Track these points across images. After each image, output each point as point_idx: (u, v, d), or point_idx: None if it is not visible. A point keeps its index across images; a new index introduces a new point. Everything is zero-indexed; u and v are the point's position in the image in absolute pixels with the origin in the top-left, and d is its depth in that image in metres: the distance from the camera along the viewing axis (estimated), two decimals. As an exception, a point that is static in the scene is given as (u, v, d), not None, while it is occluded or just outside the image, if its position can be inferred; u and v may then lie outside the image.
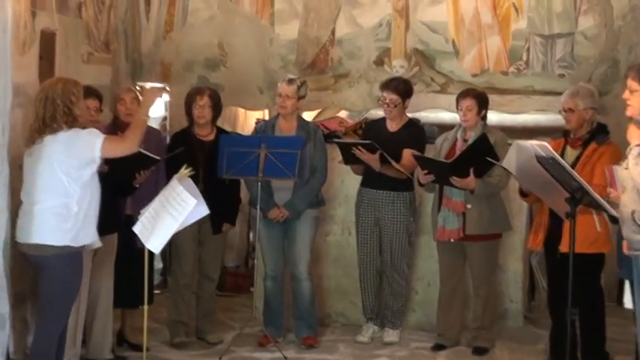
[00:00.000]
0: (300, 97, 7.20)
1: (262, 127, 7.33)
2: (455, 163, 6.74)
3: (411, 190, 7.31)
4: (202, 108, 7.11)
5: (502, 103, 8.75)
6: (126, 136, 5.56)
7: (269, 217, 7.06)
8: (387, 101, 7.22)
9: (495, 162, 6.44)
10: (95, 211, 5.36)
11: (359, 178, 7.64)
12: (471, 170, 6.71)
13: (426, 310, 7.85)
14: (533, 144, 5.18)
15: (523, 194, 6.54)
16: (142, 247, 6.79)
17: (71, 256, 5.26)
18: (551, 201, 5.63)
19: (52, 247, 5.27)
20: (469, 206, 6.87)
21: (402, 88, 7.27)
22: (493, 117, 8.42)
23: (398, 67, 9.04)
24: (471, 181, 6.72)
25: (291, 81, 7.16)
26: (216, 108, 7.20)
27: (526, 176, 5.59)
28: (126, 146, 5.48)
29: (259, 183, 6.87)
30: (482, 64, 8.97)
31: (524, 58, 8.91)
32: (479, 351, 7.08)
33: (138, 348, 6.93)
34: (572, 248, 5.26)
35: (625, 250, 5.45)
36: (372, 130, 7.41)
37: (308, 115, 9.39)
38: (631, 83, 5.24)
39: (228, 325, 7.84)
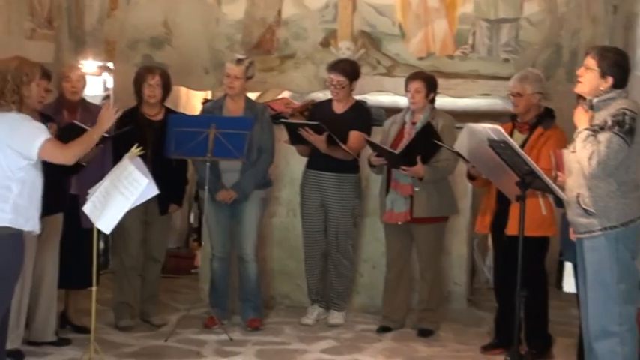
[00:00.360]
0: (248, 78, 7.14)
1: (210, 107, 7.27)
2: (402, 153, 6.75)
3: (357, 172, 7.31)
4: (153, 87, 7.02)
5: (447, 86, 8.76)
6: (69, 146, 5.32)
7: (217, 199, 7.00)
8: (334, 83, 7.20)
9: (448, 147, 6.46)
10: (38, 195, 5.20)
11: (304, 160, 7.61)
12: (419, 158, 6.72)
13: (370, 293, 7.87)
14: (486, 127, 5.19)
15: (471, 177, 6.58)
16: (88, 228, 6.77)
17: (12, 237, 5.10)
18: (501, 184, 5.67)
19: None
20: (417, 189, 6.89)
21: (350, 70, 7.25)
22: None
23: (344, 49, 9.03)
24: (419, 169, 6.75)
25: (239, 61, 7.10)
26: (166, 87, 7.12)
27: (477, 160, 5.61)
28: (66, 156, 5.25)
29: (208, 164, 6.79)
30: (428, 48, 9.01)
31: (470, 42, 8.98)
32: (424, 333, 7.11)
33: (82, 330, 6.90)
34: (522, 231, 5.31)
35: (571, 232, 5.51)
36: (318, 112, 7.38)
37: (251, 97, 9.34)
38: (589, 61, 5.20)
39: (172, 307, 7.79)
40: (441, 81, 8.20)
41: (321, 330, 7.26)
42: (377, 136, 7.35)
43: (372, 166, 7.11)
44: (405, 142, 6.89)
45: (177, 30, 9.17)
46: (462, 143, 5.53)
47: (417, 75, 7.17)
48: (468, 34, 8.95)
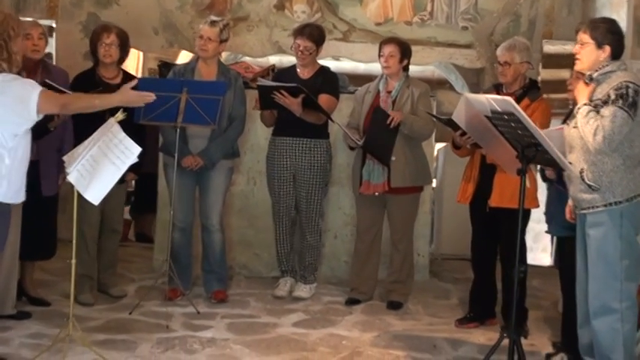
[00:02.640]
0: (223, 41, 6.85)
1: (181, 70, 6.92)
2: (367, 142, 6.68)
3: (327, 137, 7.12)
4: (109, 47, 6.66)
5: (405, 53, 8.61)
6: (67, 97, 5.08)
7: (182, 164, 6.69)
8: (300, 48, 6.97)
9: (439, 116, 6.30)
10: (26, 163, 4.88)
11: (265, 128, 7.41)
12: (399, 112, 6.63)
13: (331, 264, 7.72)
14: (489, 98, 5.03)
15: (455, 147, 6.44)
16: (50, 196, 6.45)
17: (1, 213, 4.78)
18: (497, 157, 5.53)
19: None
20: (394, 158, 6.72)
21: (317, 35, 7.04)
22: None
23: (299, 13, 8.82)
24: (398, 113, 6.64)
25: (213, 22, 6.79)
26: (124, 48, 6.76)
27: (473, 131, 5.46)
28: (64, 105, 4.99)
29: (178, 130, 6.49)
30: (386, 13, 8.85)
31: (429, 8, 8.85)
32: (394, 305, 6.97)
33: (38, 302, 6.61)
34: (522, 205, 5.16)
35: (567, 214, 5.43)
36: (283, 78, 7.12)
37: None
38: (582, 36, 5.14)
39: (127, 278, 7.52)
40: (398, 47, 8.09)
41: (287, 303, 7.05)
42: (345, 102, 7.17)
43: (351, 148, 6.94)
44: (384, 107, 6.77)
45: (125, -13, 8.79)
46: (460, 113, 5.35)
47: (391, 39, 7.01)
48: (427, 0, 8.77)
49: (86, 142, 5.19)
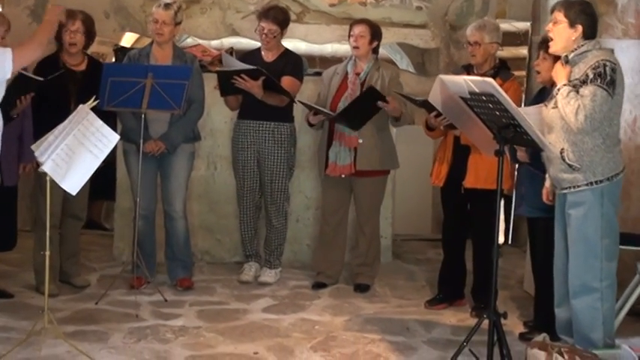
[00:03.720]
0: (177, 24, 6.73)
1: (136, 55, 6.78)
2: (341, 115, 6.56)
3: (292, 121, 7.05)
4: (74, 34, 6.51)
5: (359, 34, 8.55)
6: (30, 39, 5.02)
7: (144, 150, 6.56)
8: (265, 31, 6.88)
9: (415, 97, 6.26)
10: None
11: (225, 111, 7.36)
12: (391, 97, 6.55)
13: (294, 248, 7.66)
14: (467, 79, 5.00)
15: (429, 129, 6.42)
16: (10, 186, 6.29)
17: None
18: (474, 138, 5.51)
19: None
20: (361, 141, 6.69)
21: (281, 18, 6.96)
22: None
23: (253, -6, 8.69)
24: (396, 105, 6.56)
25: (167, 5, 6.66)
26: (89, 34, 6.61)
27: (449, 112, 5.44)
28: (35, 50, 5.08)
29: (143, 115, 6.36)
30: (340, -6, 8.76)
31: (383, -12, 8.77)
32: (361, 288, 6.95)
33: (0, 294, 6.42)
34: (500, 185, 5.13)
35: (545, 195, 5.45)
36: (247, 61, 7.00)
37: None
38: (556, 14, 5.16)
39: (88, 267, 7.36)
40: (351, 28, 8.05)
41: (253, 288, 6.99)
42: (305, 84, 7.12)
43: (310, 125, 6.85)
44: (349, 91, 6.67)
45: (74, -30, 8.56)
46: (435, 94, 5.32)
47: (362, 20, 6.98)
48: (381, -20, 8.75)
49: (57, 131, 5.05)
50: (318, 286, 7.02)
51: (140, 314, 6.24)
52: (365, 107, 6.54)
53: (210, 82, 7.04)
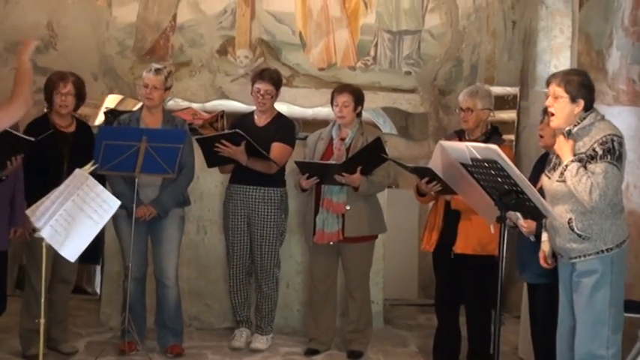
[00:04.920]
0: (167, 89, 6.70)
1: (126, 120, 6.74)
2: (345, 164, 6.51)
3: (284, 186, 7.00)
4: (65, 96, 6.46)
5: (349, 98, 8.56)
6: (13, 96, 4.80)
7: (136, 215, 6.48)
8: (261, 92, 6.85)
9: (403, 163, 6.24)
10: None
11: (215, 175, 7.30)
12: (359, 169, 6.49)
13: (284, 313, 7.54)
14: (470, 145, 4.98)
15: (420, 194, 6.39)
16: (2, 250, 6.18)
17: None
18: (474, 203, 5.46)
19: None
20: (348, 208, 6.64)
21: (277, 79, 6.96)
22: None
23: (242, 58, 8.73)
24: (357, 177, 6.50)
25: (157, 70, 6.64)
26: (80, 96, 6.57)
27: (449, 178, 5.40)
28: (17, 108, 4.78)
29: (136, 179, 6.30)
30: (329, 58, 8.82)
31: (372, 53, 8.84)
32: (354, 355, 6.85)
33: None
34: (502, 252, 5.08)
35: (542, 260, 5.41)
36: (239, 126, 6.97)
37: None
38: (555, 89, 5.12)
39: (74, 332, 7.20)
40: (342, 93, 8.04)
41: (245, 355, 6.89)
42: (298, 148, 7.09)
43: (303, 190, 6.80)
44: (335, 157, 6.67)
45: (63, 33, 8.58)
46: (436, 160, 5.29)
47: (344, 88, 6.90)
48: (370, 45, 8.81)
49: (53, 196, 4.97)
50: (311, 352, 6.91)
51: (130, 381, 6.13)
52: (368, 159, 6.50)
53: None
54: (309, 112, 8.93)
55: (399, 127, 9.49)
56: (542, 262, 5.44)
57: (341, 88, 6.92)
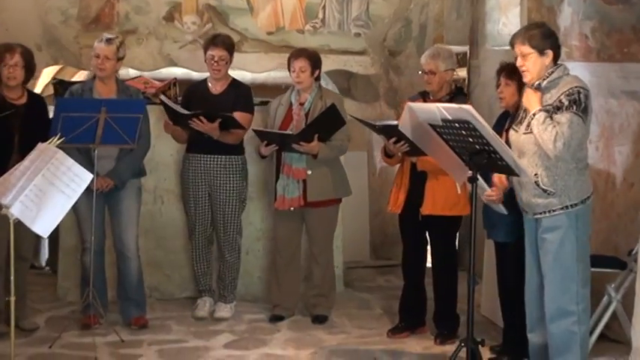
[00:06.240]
0: (120, 59, 6.57)
1: (78, 90, 6.59)
2: (302, 133, 6.46)
3: (243, 153, 6.94)
4: (13, 68, 6.29)
5: (299, 62, 8.47)
6: None
7: (93, 187, 6.34)
8: (215, 59, 6.76)
9: (372, 123, 6.21)
10: None
11: (171, 144, 7.21)
12: (316, 136, 6.45)
13: (245, 281, 7.48)
14: (441, 107, 4.97)
15: (388, 155, 6.36)
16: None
17: None
18: (444, 164, 5.44)
19: None
20: (309, 172, 6.60)
21: (229, 43, 6.89)
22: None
23: (189, 24, 8.57)
24: (315, 145, 6.48)
25: (109, 40, 6.51)
26: (29, 68, 6.41)
27: (418, 139, 5.38)
28: None
29: (95, 150, 6.17)
30: (277, 22, 8.70)
31: (320, 16, 8.74)
32: (319, 319, 6.86)
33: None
34: (474, 212, 5.10)
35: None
36: (193, 94, 6.90)
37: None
38: (521, 48, 5.16)
39: (32, 308, 7.05)
40: (291, 56, 7.97)
41: (210, 324, 6.85)
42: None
43: (262, 156, 6.74)
44: (295, 122, 6.64)
45: (2, 2, 8.30)
46: (405, 122, 5.27)
47: (300, 53, 6.83)
48: (318, 7, 8.69)
49: (18, 172, 4.85)
50: (276, 319, 6.90)
51: (99, 356, 6.04)
52: (325, 126, 6.46)
53: (154, 114, 6.89)
54: (260, 77, 8.85)
55: (341, 88, 9.43)
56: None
57: (297, 52, 6.85)
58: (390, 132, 6.03)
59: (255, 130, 6.68)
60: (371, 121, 6.46)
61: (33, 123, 6.27)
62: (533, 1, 7.38)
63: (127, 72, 8.46)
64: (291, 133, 6.54)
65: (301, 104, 6.74)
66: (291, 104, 6.78)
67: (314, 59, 6.77)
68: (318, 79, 6.85)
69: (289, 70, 6.77)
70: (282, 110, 6.79)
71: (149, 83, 7.64)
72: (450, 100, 6.16)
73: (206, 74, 7.07)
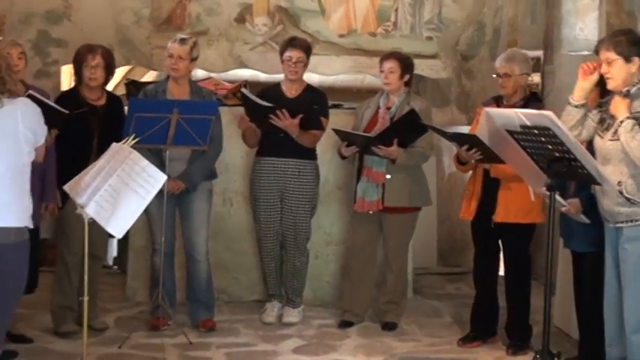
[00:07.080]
0: (193, 59, 6.55)
1: (152, 90, 6.59)
2: (380, 136, 6.39)
3: (315, 158, 6.88)
4: (95, 69, 6.30)
5: (370, 65, 8.47)
6: None
7: (165, 189, 6.33)
8: (294, 60, 6.71)
9: (446, 132, 6.11)
10: None
11: (241, 146, 7.16)
12: (395, 140, 6.37)
13: (313, 285, 7.42)
14: (519, 112, 4.86)
15: (460, 162, 6.27)
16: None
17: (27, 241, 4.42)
18: (523, 171, 5.33)
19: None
20: (389, 177, 6.52)
21: (307, 46, 6.86)
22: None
23: (260, 26, 8.57)
24: (394, 150, 6.39)
25: (183, 40, 6.50)
26: (109, 69, 6.42)
27: (496, 146, 5.27)
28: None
29: (167, 152, 6.17)
30: (349, 25, 8.67)
31: (393, 19, 8.69)
32: (389, 326, 6.76)
33: (20, 339, 6.19)
34: (552, 220, 4.97)
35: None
36: (266, 98, 6.81)
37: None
38: (606, 54, 5.02)
39: (101, 307, 7.03)
40: (363, 59, 7.95)
41: (278, 328, 6.79)
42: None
43: (342, 157, 6.69)
44: (379, 126, 6.52)
45: (77, 3, 8.38)
46: (482, 129, 5.18)
47: (391, 54, 6.79)
48: (391, 10, 8.64)
49: (93, 172, 4.84)
50: (345, 324, 6.82)
51: (167, 358, 6.03)
52: (404, 131, 6.39)
53: (225, 116, 6.86)
54: (328, 80, 8.79)
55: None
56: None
57: (388, 54, 6.83)
58: (463, 140, 5.94)
59: (335, 130, 6.61)
60: (443, 127, 6.35)
61: (112, 124, 6.26)
62: (612, 6, 7.24)
63: (196, 73, 8.45)
64: (369, 134, 6.47)
65: (388, 108, 6.67)
66: (378, 107, 6.71)
67: (405, 62, 6.69)
68: (408, 84, 6.75)
69: (380, 72, 6.71)
70: (370, 113, 6.73)
71: (220, 84, 7.62)
72: (525, 106, 6.03)
73: (275, 76, 7.04)
